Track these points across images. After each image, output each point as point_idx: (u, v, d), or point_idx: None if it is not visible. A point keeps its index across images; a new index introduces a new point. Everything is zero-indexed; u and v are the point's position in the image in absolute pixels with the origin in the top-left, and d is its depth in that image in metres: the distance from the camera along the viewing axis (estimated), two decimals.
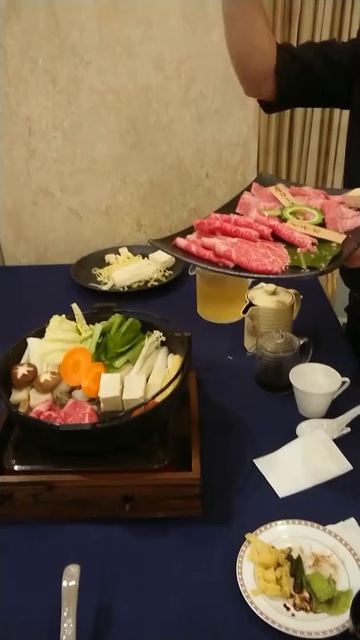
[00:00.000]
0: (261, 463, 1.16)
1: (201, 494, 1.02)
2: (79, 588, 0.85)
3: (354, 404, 1.25)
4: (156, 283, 1.87)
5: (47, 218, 2.12)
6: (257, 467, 1.15)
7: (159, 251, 1.94)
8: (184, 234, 1.09)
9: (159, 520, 1.04)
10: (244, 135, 2.02)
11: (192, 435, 1.09)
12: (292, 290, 1.47)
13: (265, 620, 0.86)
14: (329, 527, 1.01)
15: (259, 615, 0.86)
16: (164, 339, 1.25)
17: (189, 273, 1.72)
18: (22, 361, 1.20)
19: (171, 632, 0.88)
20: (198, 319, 1.66)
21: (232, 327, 1.58)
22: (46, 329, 1.25)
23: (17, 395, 1.14)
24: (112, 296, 1.79)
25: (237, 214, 1.15)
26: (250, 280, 1.65)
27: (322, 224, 1.08)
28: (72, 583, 0.85)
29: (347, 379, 1.26)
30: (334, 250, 1.00)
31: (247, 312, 1.41)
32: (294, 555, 0.95)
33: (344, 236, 1.03)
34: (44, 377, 1.14)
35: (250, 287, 1.52)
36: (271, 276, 0.96)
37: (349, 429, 1.23)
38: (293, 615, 0.87)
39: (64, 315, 1.29)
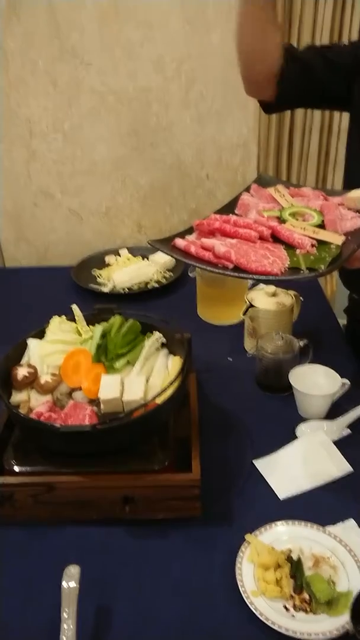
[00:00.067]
0: (261, 464, 1.16)
1: (201, 495, 1.02)
2: (79, 589, 0.85)
3: (353, 406, 1.26)
4: (156, 284, 1.87)
5: (47, 219, 2.12)
6: (257, 469, 1.15)
7: (159, 253, 1.93)
8: (183, 234, 1.09)
9: (158, 521, 1.04)
10: (244, 137, 2.02)
11: (192, 437, 1.09)
12: (292, 292, 1.47)
13: (265, 621, 0.86)
14: (329, 528, 1.01)
15: (259, 616, 0.86)
16: (164, 340, 1.25)
17: (189, 275, 1.73)
18: (23, 362, 1.20)
19: (171, 633, 0.88)
20: (198, 321, 1.66)
21: (232, 329, 1.58)
22: (46, 330, 1.25)
23: (17, 397, 1.14)
24: (113, 297, 1.80)
25: (236, 214, 1.15)
26: (250, 282, 1.65)
27: (322, 226, 1.08)
28: (72, 584, 0.86)
29: (347, 381, 1.27)
30: (333, 251, 1.00)
31: (247, 314, 1.42)
32: (294, 557, 0.95)
33: (343, 237, 1.04)
34: (45, 378, 1.14)
35: (250, 288, 1.52)
36: (270, 277, 0.96)
37: (349, 431, 1.23)
38: (293, 616, 0.87)
39: (64, 317, 1.29)
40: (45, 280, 1.98)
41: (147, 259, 1.98)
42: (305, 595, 0.90)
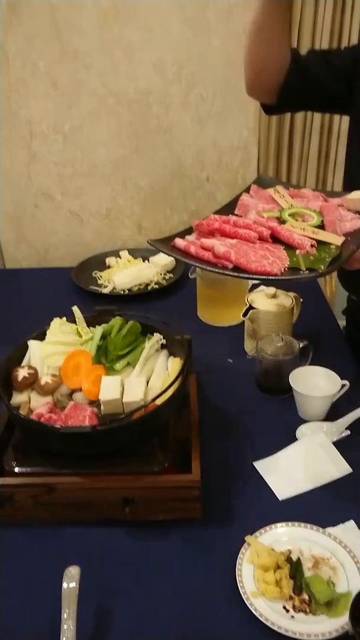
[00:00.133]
0: (261, 466, 1.16)
1: (201, 497, 1.02)
2: (79, 590, 0.85)
3: (353, 407, 1.26)
4: (156, 286, 1.87)
5: (47, 221, 2.13)
6: (257, 470, 1.15)
7: (160, 254, 1.95)
8: (183, 234, 1.09)
9: (159, 523, 1.04)
10: (245, 139, 2.02)
11: (192, 438, 1.09)
12: (292, 294, 1.47)
13: (264, 622, 0.86)
14: (329, 529, 1.01)
15: (259, 617, 0.86)
16: (164, 341, 1.25)
17: (189, 276, 1.73)
18: (23, 364, 1.21)
19: (171, 633, 0.88)
20: (198, 322, 1.66)
21: (232, 330, 1.58)
22: (47, 332, 1.25)
23: (17, 398, 1.14)
24: (113, 299, 1.80)
25: (236, 215, 1.15)
26: (250, 284, 1.65)
27: (321, 226, 1.08)
28: (72, 585, 0.86)
29: (346, 382, 1.27)
30: (333, 252, 1.00)
31: (247, 315, 1.42)
32: (294, 558, 0.96)
33: (342, 238, 1.04)
34: (45, 379, 1.15)
35: (250, 290, 1.52)
36: (270, 277, 0.96)
37: (348, 432, 1.23)
38: (292, 617, 0.87)
39: (64, 318, 1.29)
40: (46, 282, 1.99)
41: (148, 260, 1.99)
42: (305, 596, 0.90)
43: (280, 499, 1.09)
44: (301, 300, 1.50)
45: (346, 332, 1.67)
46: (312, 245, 1.02)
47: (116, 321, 1.25)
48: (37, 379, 1.15)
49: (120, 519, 1.03)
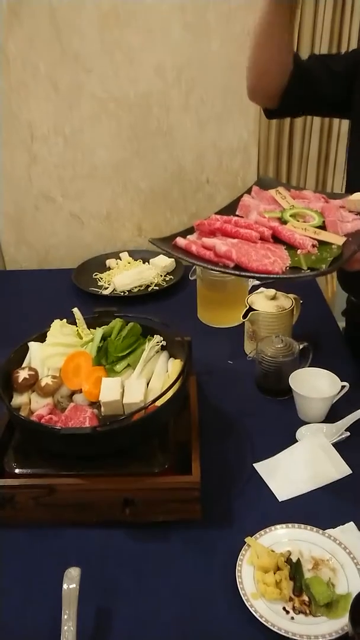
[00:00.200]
0: (261, 467, 1.16)
1: (201, 498, 1.02)
2: (79, 591, 0.85)
3: (353, 409, 1.25)
4: (157, 288, 1.87)
5: (48, 223, 2.13)
6: (257, 471, 1.15)
7: (160, 256, 1.95)
8: (184, 234, 1.09)
9: (159, 524, 1.04)
10: (245, 141, 2.03)
11: (192, 439, 1.09)
12: (292, 295, 1.47)
13: (264, 623, 0.86)
14: (329, 531, 1.01)
15: (259, 618, 0.86)
16: (164, 343, 1.25)
17: (190, 278, 1.73)
18: (24, 365, 1.21)
19: (171, 634, 0.88)
20: (198, 324, 1.66)
21: (232, 332, 1.58)
22: (47, 333, 1.25)
23: (18, 399, 1.14)
24: (113, 300, 1.80)
25: (238, 216, 1.15)
26: (250, 285, 1.66)
27: (322, 227, 1.09)
28: (73, 586, 0.86)
29: (346, 384, 1.27)
30: (334, 251, 1.00)
31: (247, 317, 1.42)
32: (294, 559, 0.95)
33: (344, 238, 1.04)
34: (45, 381, 1.15)
35: (251, 291, 1.52)
36: (271, 276, 0.97)
37: (348, 433, 1.23)
38: (292, 618, 0.87)
39: (65, 320, 1.29)
40: (46, 283, 1.99)
41: (148, 262, 1.99)
42: (305, 598, 0.90)
43: (280, 500, 1.09)
44: (301, 301, 1.50)
45: (346, 334, 1.68)
46: (313, 245, 1.02)
47: (116, 323, 1.25)
48: (38, 380, 1.15)
49: (120, 520, 1.03)
